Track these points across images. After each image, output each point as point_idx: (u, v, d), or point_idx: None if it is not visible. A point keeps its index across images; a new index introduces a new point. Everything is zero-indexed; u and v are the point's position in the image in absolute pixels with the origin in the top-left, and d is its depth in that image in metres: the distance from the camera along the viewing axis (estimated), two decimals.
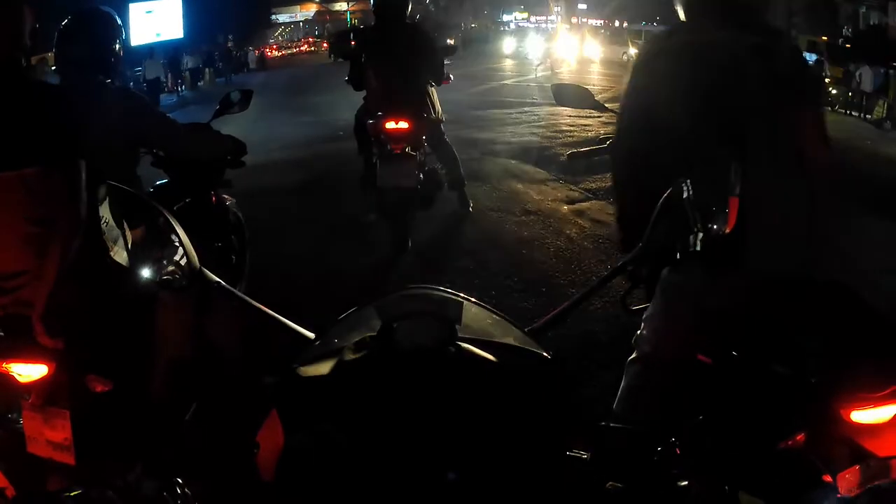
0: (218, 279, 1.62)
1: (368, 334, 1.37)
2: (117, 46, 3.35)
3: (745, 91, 2.34)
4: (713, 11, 2.48)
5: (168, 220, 1.60)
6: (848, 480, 1.95)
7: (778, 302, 2.20)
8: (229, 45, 36.74)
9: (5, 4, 2.42)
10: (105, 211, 2.78)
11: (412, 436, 1.24)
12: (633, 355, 2.66)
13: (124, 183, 2.86)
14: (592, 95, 3.21)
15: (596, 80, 24.39)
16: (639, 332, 2.65)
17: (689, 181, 1.91)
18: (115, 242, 2.83)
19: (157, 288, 2.62)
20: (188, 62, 30.13)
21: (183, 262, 1.60)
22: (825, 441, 2.03)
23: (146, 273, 1.76)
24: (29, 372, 2.35)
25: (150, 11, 29.08)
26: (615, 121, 2.78)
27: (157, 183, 3.98)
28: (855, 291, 2.17)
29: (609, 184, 6.67)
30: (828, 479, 1.97)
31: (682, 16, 2.59)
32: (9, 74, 2.40)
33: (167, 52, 28.13)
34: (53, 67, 3.53)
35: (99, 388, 2.40)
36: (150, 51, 25.11)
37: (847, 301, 2.18)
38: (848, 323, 2.11)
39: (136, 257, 2.83)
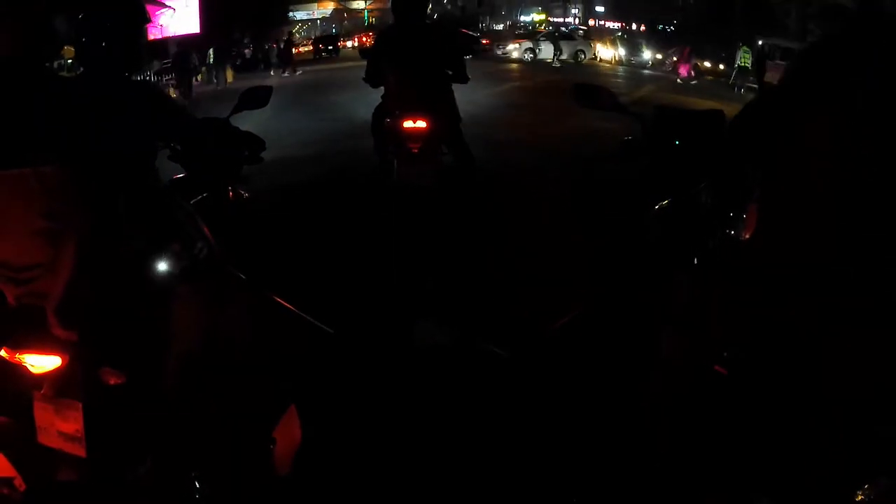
0: (238, 273, 1.62)
1: (386, 332, 1.37)
2: (137, 39, 3.34)
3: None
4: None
5: (190, 214, 1.60)
6: (864, 492, 1.94)
7: (797, 309, 2.17)
8: (245, 40, 36.48)
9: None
10: (123, 204, 2.78)
11: (429, 431, 1.24)
12: (655, 363, 2.62)
13: (142, 176, 2.87)
14: (615, 97, 3.14)
15: None
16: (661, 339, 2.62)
17: (708, 186, 1.89)
18: (132, 235, 2.82)
19: (175, 281, 2.63)
20: (197, 59, 29.80)
21: (202, 255, 1.59)
22: (841, 450, 2.01)
23: (164, 266, 1.76)
24: (42, 363, 2.35)
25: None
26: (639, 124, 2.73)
27: (174, 177, 3.98)
28: (877, 301, 2.14)
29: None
30: (844, 487, 1.96)
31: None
32: (25, 70, 2.40)
33: (180, 49, 27.95)
34: (70, 61, 3.53)
35: (112, 381, 2.40)
36: (163, 46, 24.75)
37: (865, 309, 2.15)
38: (866, 333, 2.09)
39: (154, 250, 2.83)
